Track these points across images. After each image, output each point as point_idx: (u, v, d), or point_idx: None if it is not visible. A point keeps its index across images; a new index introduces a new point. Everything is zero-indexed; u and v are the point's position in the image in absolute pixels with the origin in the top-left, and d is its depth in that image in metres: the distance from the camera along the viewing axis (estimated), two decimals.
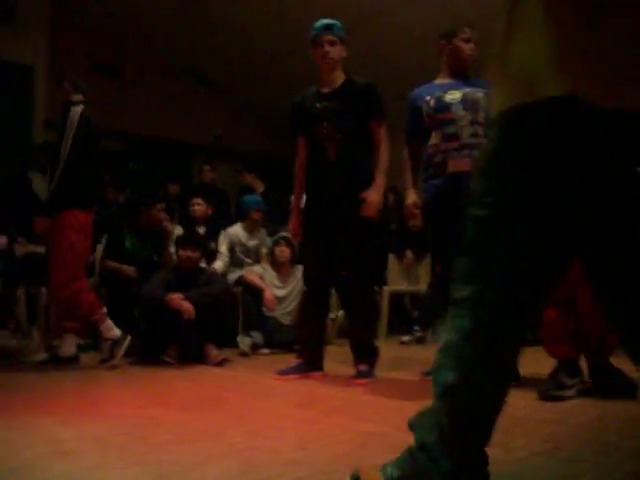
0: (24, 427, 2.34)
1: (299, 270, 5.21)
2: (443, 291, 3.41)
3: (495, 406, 1.36)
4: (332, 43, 3.53)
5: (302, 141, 3.67)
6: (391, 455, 1.82)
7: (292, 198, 3.92)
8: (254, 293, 5.03)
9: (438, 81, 3.51)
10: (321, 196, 3.56)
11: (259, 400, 2.91)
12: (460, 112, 3.32)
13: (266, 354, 4.80)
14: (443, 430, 1.35)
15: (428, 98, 3.43)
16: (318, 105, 3.56)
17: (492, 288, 1.31)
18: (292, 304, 5.13)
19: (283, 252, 5.20)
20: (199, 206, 5.98)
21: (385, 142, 3.54)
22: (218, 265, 5.56)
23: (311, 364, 3.62)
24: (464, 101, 3.33)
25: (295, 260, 5.27)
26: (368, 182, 3.47)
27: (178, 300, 4.14)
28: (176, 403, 2.87)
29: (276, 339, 4.92)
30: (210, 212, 6.23)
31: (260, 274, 5.19)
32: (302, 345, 3.72)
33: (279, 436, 2.16)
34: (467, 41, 3.43)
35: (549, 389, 2.80)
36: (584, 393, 2.82)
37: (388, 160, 3.54)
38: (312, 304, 3.68)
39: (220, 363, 4.06)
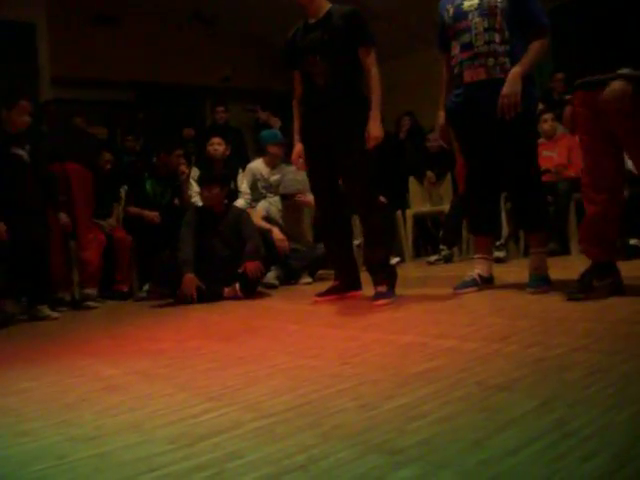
0: (71, 369, 2.42)
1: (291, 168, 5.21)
2: (466, 207, 3.48)
3: None
4: None
5: (297, 75, 3.66)
6: (432, 363, 1.86)
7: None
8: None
9: None
10: (315, 125, 3.55)
11: (295, 325, 2.95)
12: (476, 19, 3.21)
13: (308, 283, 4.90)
14: None
15: (449, 6, 3.34)
16: (305, 38, 3.53)
17: None
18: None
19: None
20: (219, 145, 5.96)
21: (375, 67, 3.48)
22: (240, 203, 5.58)
23: (348, 285, 3.70)
24: (481, 7, 3.20)
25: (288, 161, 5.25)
26: (361, 106, 3.45)
27: (190, 290, 4.18)
28: (213, 334, 2.93)
29: (294, 266, 4.99)
30: (228, 152, 6.21)
31: (265, 209, 5.17)
32: (335, 269, 3.79)
33: (319, 354, 2.20)
34: None
35: (573, 291, 2.79)
36: (617, 292, 2.81)
37: (380, 85, 3.47)
38: (331, 230, 3.70)
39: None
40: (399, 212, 6.46)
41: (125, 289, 5.24)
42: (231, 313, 3.64)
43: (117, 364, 2.40)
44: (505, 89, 3.09)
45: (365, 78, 3.51)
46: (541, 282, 3.19)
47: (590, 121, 2.75)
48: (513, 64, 3.14)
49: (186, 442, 1.38)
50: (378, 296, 3.36)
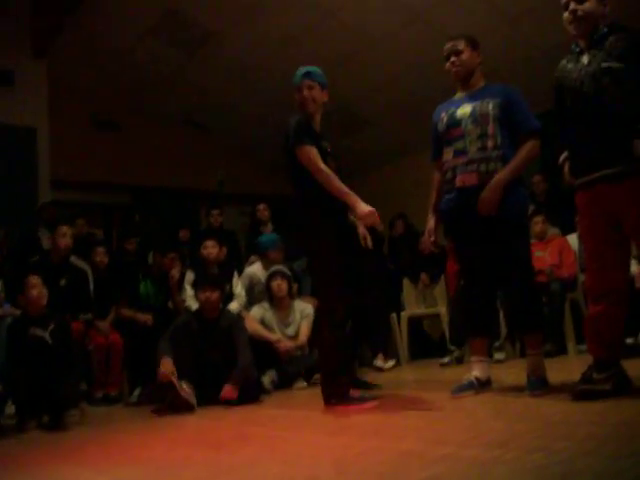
0: (57, 478, 2.32)
1: (298, 303, 5.20)
2: (468, 304, 3.46)
3: None
4: (310, 87, 3.64)
5: (316, 150, 3.55)
6: (432, 470, 1.80)
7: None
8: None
9: (456, 96, 3.53)
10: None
11: (289, 432, 2.86)
12: (469, 126, 3.31)
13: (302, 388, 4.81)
14: None
15: (443, 115, 3.46)
16: (323, 144, 3.64)
17: None
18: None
19: (280, 286, 5.15)
20: (213, 248, 5.98)
21: None
22: (234, 306, 5.55)
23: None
24: (473, 114, 3.32)
25: (292, 293, 5.24)
26: None
27: (165, 375, 4.04)
28: (204, 441, 2.84)
29: (290, 371, 4.90)
30: (222, 255, 6.23)
31: (260, 316, 5.11)
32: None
33: (315, 463, 2.12)
34: (447, 58, 3.44)
35: (577, 386, 2.77)
36: (621, 388, 2.75)
37: None
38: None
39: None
40: (394, 314, 6.43)
41: (114, 393, 5.11)
42: (223, 419, 3.54)
43: (107, 472, 2.32)
44: (484, 194, 3.20)
45: None
46: (540, 384, 3.14)
47: (594, 220, 2.79)
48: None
49: None
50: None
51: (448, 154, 3.41)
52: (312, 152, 3.47)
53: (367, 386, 3.82)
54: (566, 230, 5.95)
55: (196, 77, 7.85)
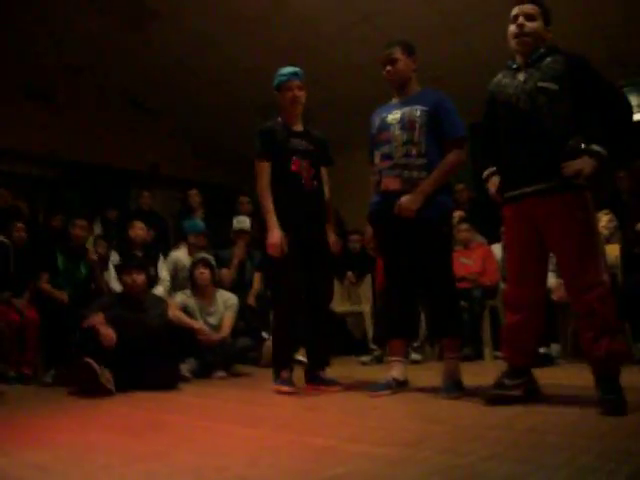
0: None
1: (221, 293, 5.17)
2: (389, 305, 3.52)
3: None
4: (300, 88, 3.87)
5: (266, 166, 3.81)
6: (343, 468, 1.82)
7: (265, 212, 3.81)
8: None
9: (393, 101, 3.58)
10: (298, 222, 3.77)
11: (204, 422, 2.84)
12: (396, 132, 3.38)
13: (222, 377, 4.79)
14: None
15: (376, 118, 3.53)
16: (294, 140, 3.85)
17: None
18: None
19: (204, 274, 5.09)
20: (141, 230, 5.87)
21: (329, 184, 4.02)
22: (159, 291, 5.47)
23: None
24: (402, 120, 3.37)
25: (215, 282, 5.21)
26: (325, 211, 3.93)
27: (98, 323, 4.04)
28: (118, 427, 2.79)
29: (210, 361, 4.87)
30: (149, 237, 6.14)
31: (182, 302, 5.05)
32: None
33: (228, 453, 2.11)
34: (383, 65, 3.49)
35: (490, 390, 2.89)
36: (531, 395, 2.89)
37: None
38: (290, 320, 3.76)
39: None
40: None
41: (28, 372, 4.94)
42: (139, 406, 3.48)
43: (11, 453, 2.25)
44: (403, 199, 3.28)
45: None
46: (454, 387, 3.23)
47: (520, 233, 2.87)
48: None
49: None
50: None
51: (377, 157, 3.48)
52: (260, 167, 3.81)
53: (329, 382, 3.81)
54: (490, 239, 6.13)
55: (138, 54, 7.65)
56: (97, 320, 4.06)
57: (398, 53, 3.46)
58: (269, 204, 3.74)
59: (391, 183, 3.37)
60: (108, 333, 4.02)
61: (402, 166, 3.34)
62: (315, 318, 3.85)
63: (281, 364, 3.73)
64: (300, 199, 3.78)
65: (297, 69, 3.89)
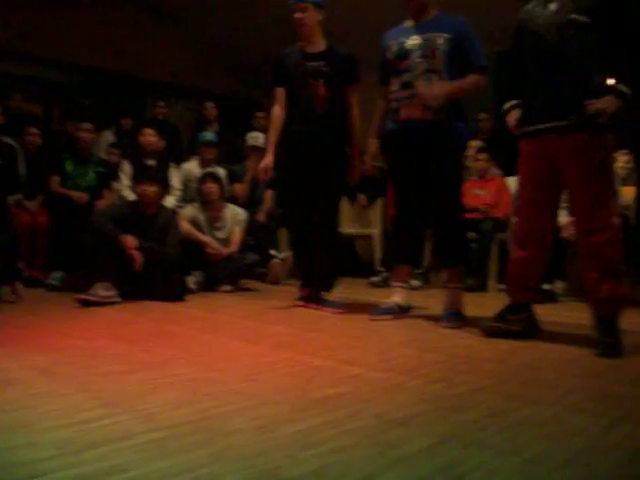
0: None
1: (231, 208, 5.18)
2: (397, 232, 3.54)
3: None
4: (303, 10, 3.75)
5: (282, 92, 3.87)
6: (337, 389, 1.87)
7: (266, 137, 4.16)
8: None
9: (407, 23, 3.43)
10: (307, 144, 3.78)
11: (207, 334, 2.90)
12: (417, 59, 3.27)
13: (228, 291, 4.86)
14: None
15: (392, 42, 3.40)
16: (308, 64, 3.79)
17: None
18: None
19: (211, 189, 5.09)
20: (152, 137, 5.83)
21: (357, 107, 3.90)
22: (169, 201, 5.49)
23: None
24: (423, 47, 3.26)
25: (224, 196, 5.23)
26: (346, 135, 3.85)
27: (132, 247, 4.08)
28: (122, 335, 2.85)
29: (217, 274, 4.93)
30: (162, 146, 6.09)
31: (192, 217, 5.06)
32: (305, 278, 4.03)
33: (225, 368, 2.17)
34: None
35: (491, 322, 2.93)
36: (531, 330, 2.91)
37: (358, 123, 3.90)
38: (303, 239, 3.93)
39: None
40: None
41: (38, 275, 5.03)
42: (144, 315, 3.55)
43: (18, 356, 2.31)
44: (421, 87, 3.20)
45: (347, 113, 3.87)
46: (455, 317, 3.27)
47: (534, 169, 2.83)
48: (449, 107, 3.23)
49: (73, 449, 1.34)
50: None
51: (394, 84, 3.38)
52: (274, 94, 3.91)
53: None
54: (507, 172, 6.04)
55: None
56: (131, 244, 4.09)
57: None
58: (271, 132, 3.92)
59: (411, 112, 3.29)
60: (140, 260, 4.08)
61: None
62: (317, 238, 3.89)
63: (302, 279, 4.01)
64: (308, 122, 3.77)
65: None
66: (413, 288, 5.34)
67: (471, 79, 3.26)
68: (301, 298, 3.95)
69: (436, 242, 3.70)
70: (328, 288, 3.93)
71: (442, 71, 3.24)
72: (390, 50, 3.39)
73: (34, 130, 5.64)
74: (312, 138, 3.76)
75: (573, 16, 2.65)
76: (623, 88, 2.58)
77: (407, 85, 3.30)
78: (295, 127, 3.81)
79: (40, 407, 1.65)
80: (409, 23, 3.41)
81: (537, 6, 2.83)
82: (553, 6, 2.74)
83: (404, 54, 3.32)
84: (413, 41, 3.30)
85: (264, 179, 4.05)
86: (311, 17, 3.76)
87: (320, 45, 3.85)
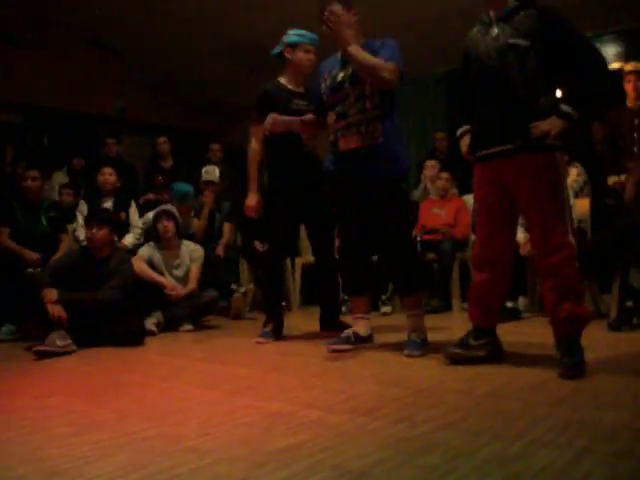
0: None
1: (187, 244, 5.10)
2: (344, 265, 3.50)
3: None
4: (307, 51, 3.99)
5: (260, 130, 3.94)
6: (295, 438, 1.80)
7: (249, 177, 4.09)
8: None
9: (339, 53, 3.38)
10: (295, 179, 3.96)
11: (163, 382, 2.81)
12: (348, 89, 3.26)
13: (189, 330, 4.77)
14: None
15: (326, 75, 3.39)
16: (296, 102, 3.94)
17: None
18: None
19: (167, 227, 4.98)
20: (110, 176, 5.75)
21: None
22: (128, 240, 5.41)
23: (278, 331, 4.04)
24: (353, 76, 3.24)
25: (180, 234, 5.14)
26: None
27: (50, 301, 3.89)
28: (77, 390, 2.74)
29: (177, 314, 4.83)
30: (118, 184, 6.00)
31: (148, 255, 4.97)
32: (270, 313, 4.10)
33: (181, 421, 2.08)
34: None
35: (454, 349, 2.88)
36: (494, 355, 2.89)
37: None
38: (278, 272, 4.12)
39: None
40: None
41: None
42: (100, 364, 3.43)
43: None
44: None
45: None
46: (417, 345, 3.22)
47: (488, 194, 2.82)
48: (386, 129, 3.20)
49: None
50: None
51: (331, 117, 3.36)
52: (253, 130, 4.02)
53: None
54: (464, 190, 6.06)
55: None
56: (50, 298, 3.92)
57: (338, 9, 3.18)
58: (252, 170, 4.03)
59: (349, 142, 3.26)
60: (57, 314, 3.85)
61: (358, 123, 3.23)
62: (323, 270, 4.11)
63: (267, 316, 4.06)
64: (298, 157, 3.95)
65: (316, 36, 3.96)
66: (385, 314, 5.32)
67: (376, 59, 3.11)
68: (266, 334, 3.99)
69: (390, 271, 3.69)
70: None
71: (373, 95, 3.21)
72: (325, 84, 3.39)
73: None
74: (298, 176, 3.96)
75: (512, 40, 2.66)
76: (567, 109, 2.58)
77: (342, 116, 3.28)
78: (280, 166, 4.01)
79: None
80: (339, 54, 3.38)
81: (479, 32, 2.84)
82: (493, 32, 2.74)
83: (337, 87, 3.31)
84: (344, 72, 3.29)
85: (255, 217, 4.12)
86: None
87: (301, 85, 4.06)
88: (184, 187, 5.76)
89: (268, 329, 3.97)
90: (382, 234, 3.33)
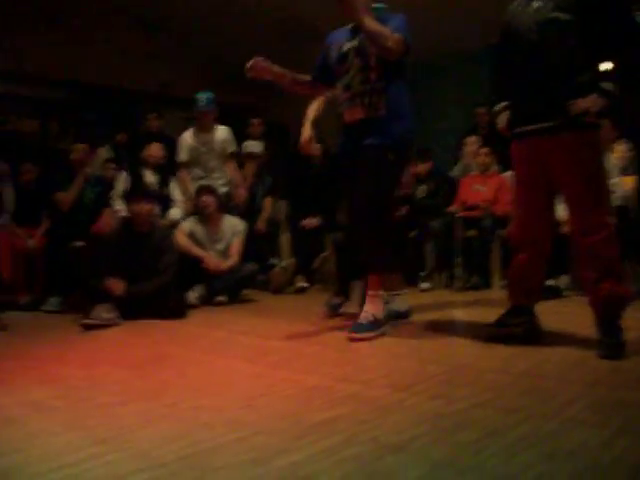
0: None
1: (229, 219, 5.15)
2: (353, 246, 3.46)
3: None
4: None
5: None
6: (333, 412, 1.84)
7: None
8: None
9: (349, 25, 3.35)
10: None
11: (205, 355, 2.88)
12: (353, 60, 3.24)
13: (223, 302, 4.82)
14: None
15: (334, 46, 3.37)
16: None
17: None
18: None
19: (207, 202, 5.02)
20: (159, 151, 5.86)
21: None
22: (174, 213, 5.47)
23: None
24: (359, 48, 3.22)
25: (222, 208, 5.19)
26: None
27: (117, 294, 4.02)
28: (121, 361, 2.83)
29: (217, 287, 4.88)
30: (163, 161, 6.07)
31: (191, 230, 5.03)
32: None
33: (223, 392, 2.15)
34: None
35: (492, 327, 2.90)
36: (532, 333, 2.88)
37: None
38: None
39: None
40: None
41: (37, 298, 4.97)
42: (144, 337, 3.50)
43: (14, 391, 2.29)
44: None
45: None
46: (361, 327, 3.10)
47: (526, 172, 2.79)
48: (389, 101, 3.17)
49: None
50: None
51: (338, 89, 3.35)
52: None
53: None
54: (506, 167, 5.96)
55: None
56: (117, 290, 4.04)
57: None
58: (309, 110, 4.07)
59: (353, 113, 3.25)
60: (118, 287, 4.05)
61: (361, 94, 3.20)
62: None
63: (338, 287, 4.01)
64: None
65: None
66: (423, 290, 5.32)
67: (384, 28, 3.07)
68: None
69: (351, 244, 3.61)
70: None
71: (378, 66, 3.17)
72: (332, 56, 3.36)
73: (29, 167, 5.63)
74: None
75: (554, 14, 2.60)
76: (607, 85, 2.54)
77: (347, 87, 3.27)
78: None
79: (32, 449, 1.64)
80: (351, 24, 3.33)
81: (520, 5, 2.79)
82: (534, 5, 2.69)
83: (343, 58, 3.28)
84: (351, 43, 3.26)
85: (308, 152, 4.10)
86: None
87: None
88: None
89: (337, 302, 3.91)
90: (353, 201, 3.28)
